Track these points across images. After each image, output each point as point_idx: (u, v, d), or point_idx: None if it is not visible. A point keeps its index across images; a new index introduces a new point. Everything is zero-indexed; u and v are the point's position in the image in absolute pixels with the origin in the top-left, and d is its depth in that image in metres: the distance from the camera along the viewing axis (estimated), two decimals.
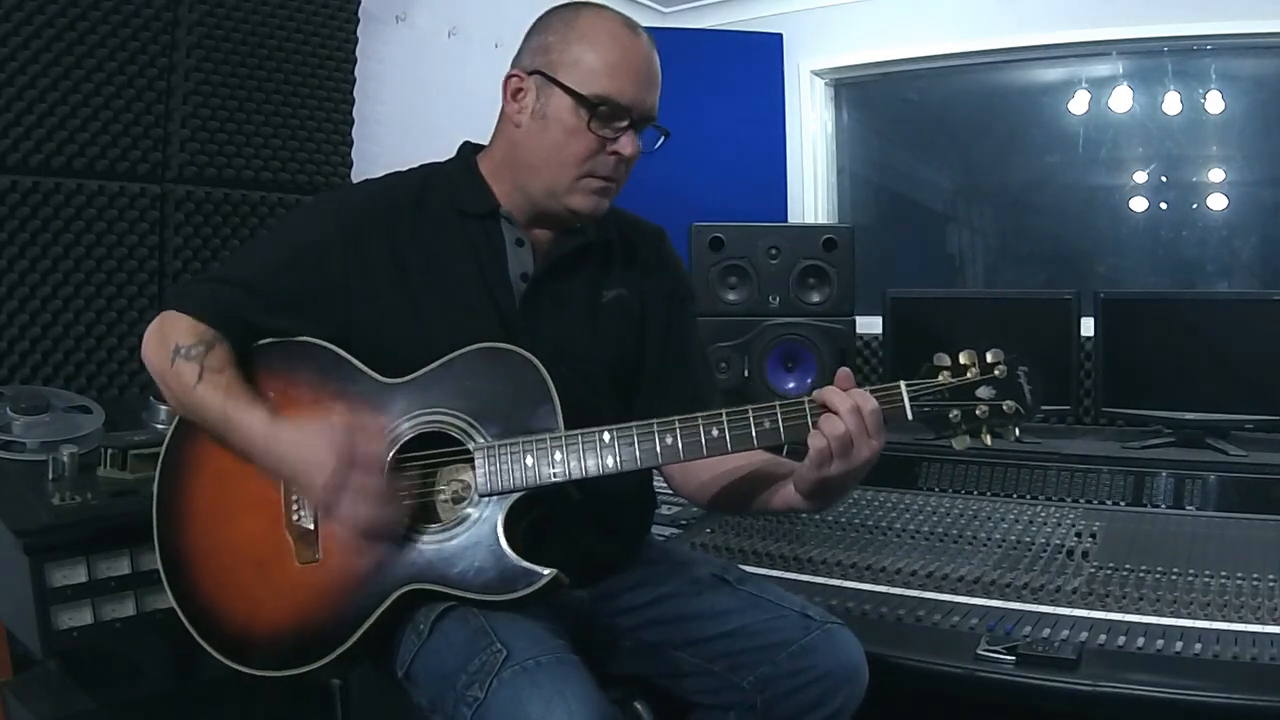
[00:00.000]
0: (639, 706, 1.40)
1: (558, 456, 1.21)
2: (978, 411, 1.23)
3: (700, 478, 1.41)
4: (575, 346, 1.37)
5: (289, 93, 2.32)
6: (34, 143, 1.92)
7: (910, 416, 1.22)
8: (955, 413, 1.22)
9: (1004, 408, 1.23)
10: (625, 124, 1.31)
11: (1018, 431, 1.25)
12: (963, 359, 1.24)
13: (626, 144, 1.32)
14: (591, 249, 1.42)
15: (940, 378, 1.23)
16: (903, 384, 1.22)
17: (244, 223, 2.25)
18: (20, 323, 1.92)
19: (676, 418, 1.23)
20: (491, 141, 1.41)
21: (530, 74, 1.33)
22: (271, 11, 2.27)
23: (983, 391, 1.23)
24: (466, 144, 1.45)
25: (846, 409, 1.18)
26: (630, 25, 1.34)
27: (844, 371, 1.23)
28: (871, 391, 1.21)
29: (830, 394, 1.20)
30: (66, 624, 1.41)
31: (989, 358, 1.24)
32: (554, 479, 1.21)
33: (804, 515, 1.97)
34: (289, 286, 1.32)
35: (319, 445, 1.18)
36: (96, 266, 2.02)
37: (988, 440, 1.24)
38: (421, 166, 1.44)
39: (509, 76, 1.35)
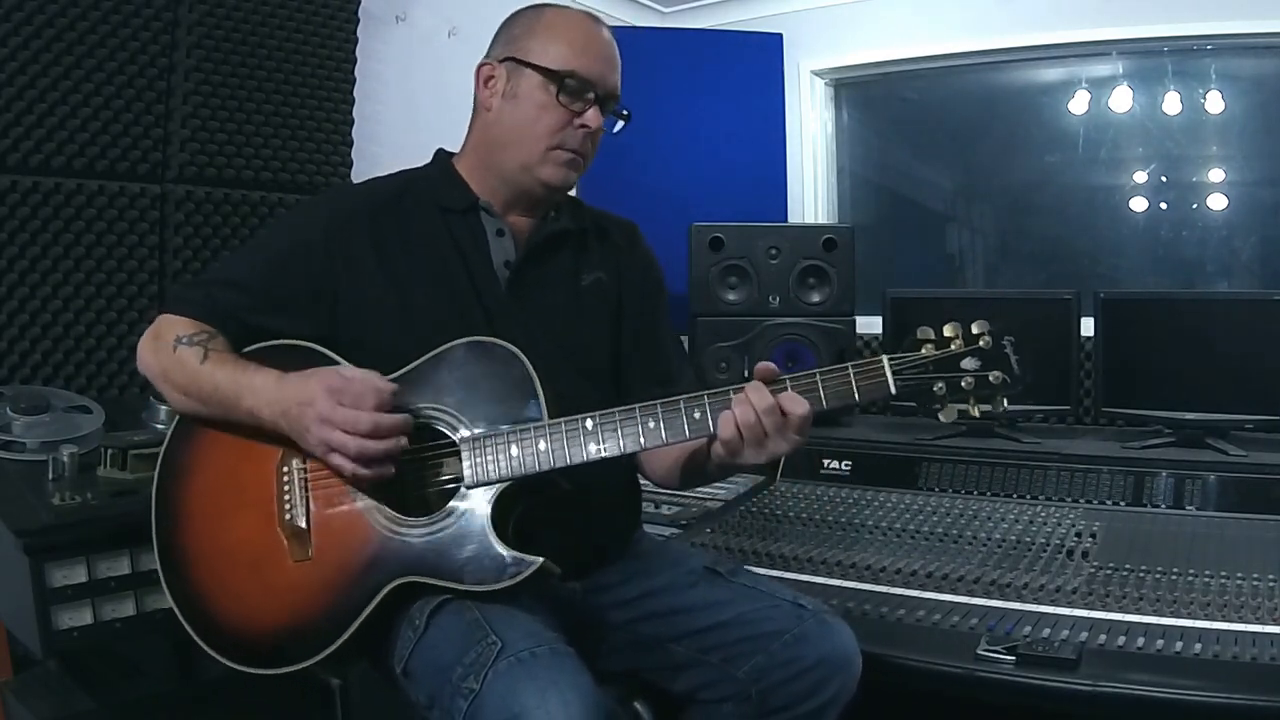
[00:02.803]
0: (638, 706, 1.40)
1: (542, 446, 1.23)
2: (963, 383, 1.22)
3: (666, 462, 1.44)
4: (562, 328, 1.43)
5: (289, 93, 2.32)
6: (34, 143, 1.92)
7: (894, 391, 1.21)
8: (940, 385, 1.22)
9: (990, 378, 1.22)
10: (590, 97, 1.39)
11: (1006, 402, 1.23)
12: (947, 331, 1.23)
13: (592, 117, 1.39)
14: (569, 236, 1.48)
15: (924, 350, 1.23)
16: (885, 358, 1.22)
17: (244, 223, 2.25)
18: (20, 323, 1.92)
19: (658, 401, 1.24)
20: (466, 138, 1.48)
21: (501, 62, 1.42)
22: (271, 11, 2.27)
23: (968, 363, 1.22)
24: (441, 150, 1.52)
25: (764, 408, 1.19)
26: (592, 17, 1.45)
27: (763, 367, 1.24)
28: (854, 367, 1.22)
29: (753, 392, 1.20)
30: (66, 624, 1.41)
31: (974, 329, 1.23)
32: (539, 468, 1.23)
33: (803, 513, 1.98)
34: (277, 288, 1.36)
35: (313, 381, 1.23)
36: (96, 266, 2.02)
37: (976, 412, 1.23)
38: (400, 172, 1.50)
39: (481, 66, 1.44)
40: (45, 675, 1.70)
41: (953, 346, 1.22)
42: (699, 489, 2.11)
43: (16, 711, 1.62)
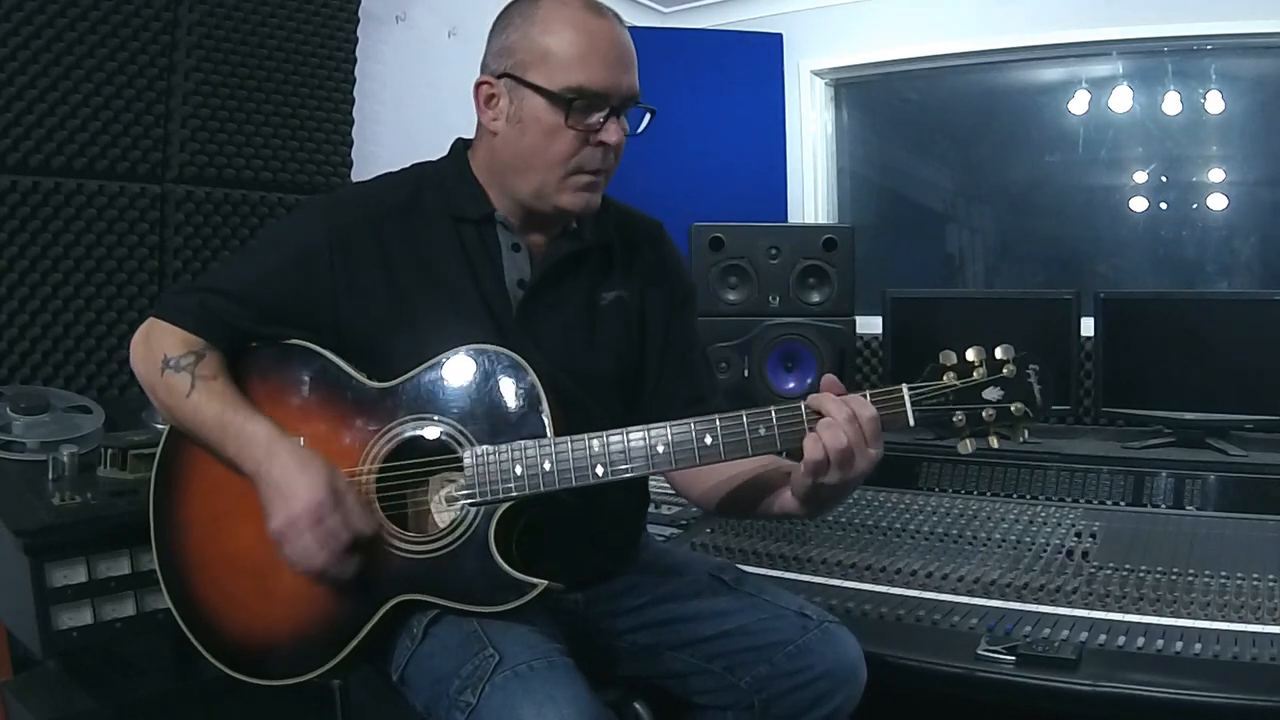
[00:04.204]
0: (638, 707, 1.40)
1: (546, 466, 1.19)
2: (984, 414, 1.17)
3: (704, 484, 1.39)
4: (574, 353, 1.35)
5: (289, 93, 2.31)
6: (34, 143, 1.92)
7: (912, 422, 1.17)
8: (960, 416, 1.17)
9: (1012, 410, 1.17)
10: (605, 112, 1.25)
11: (1026, 434, 1.20)
12: (970, 356, 1.18)
13: (611, 132, 1.25)
14: (589, 252, 1.38)
15: (945, 379, 1.17)
16: (905, 388, 1.17)
17: (244, 223, 2.25)
18: (20, 323, 1.92)
19: (668, 424, 1.19)
20: (475, 145, 1.37)
21: (499, 78, 1.27)
22: (271, 11, 2.27)
23: (990, 393, 1.17)
24: (459, 141, 1.40)
25: (844, 418, 1.14)
26: (593, 7, 1.27)
27: (830, 379, 1.19)
28: (872, 396, 1.17)
29: (827, 401, 1.15)
30: (66, 624, 1.41)
31: (998, 354, 1.18)
32: (543, 488, 1.19)
33: None
34: (277, 295, 1.29)
35: (303, 486, 1.17)
36: (96, 266, 2.02)
37: (994, 443, 1.19)
38: (414, 167, 1.40)
39: (479, 84, 1.30)
40: (45, 675, 1.69)
41: (975, 375, 1.17)
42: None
43: (16, 711, 1.62)
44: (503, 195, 1.33)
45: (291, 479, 1.18)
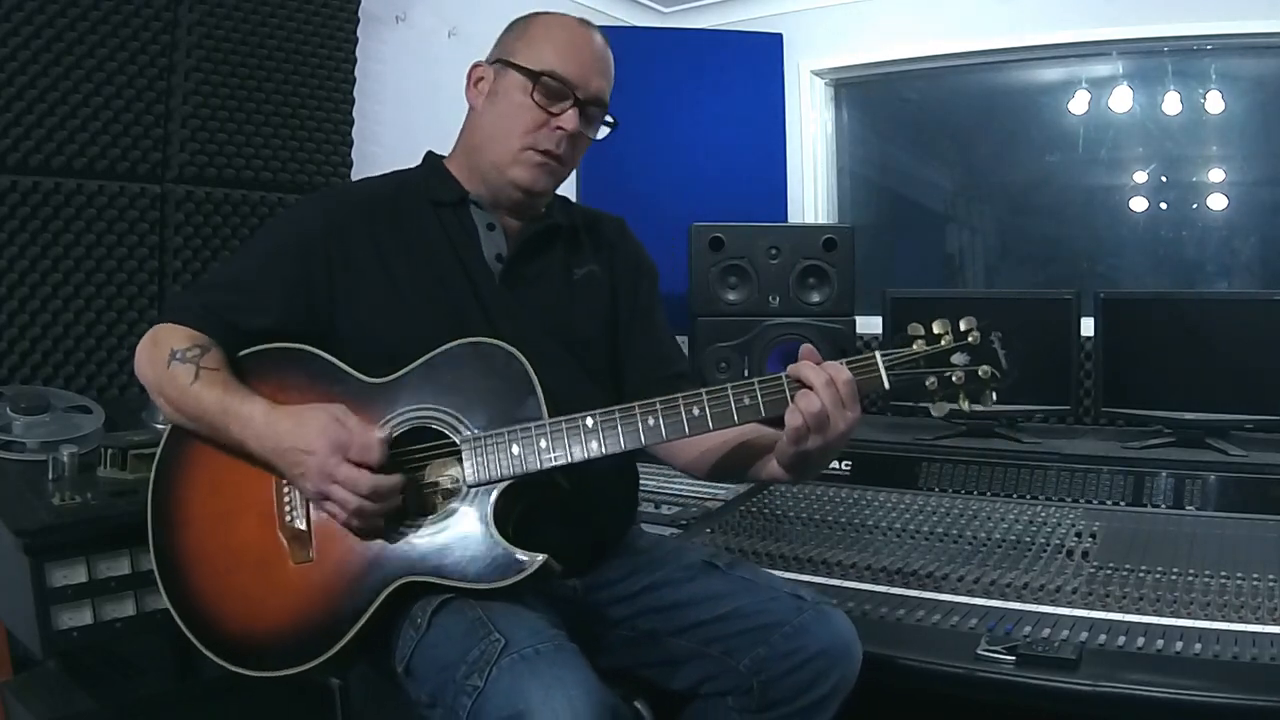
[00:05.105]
0: (639, 706, 1.40)
1: (543, 444, 1.24)
2: (954, 378, 1.25)
3: (690, 453, 1.46)
4: (556, 321, 1.43)
5: (289, 93, 2.32)
6: (34, 143, 1.92)
7: (887, 386, 1.24)
8: (931, 380, 1.25)
9: (979, 373, 1.25)
10: (569, 102, 1.38)
11: (995, 396, 1.27)
12: (936, 327, 1.26)
13: (569, 119, 1.37)
14: (559, 231, 1.49)
15: (915, 346, 1.25)
16: (878, 354, 1.25)
17: (244, 223, 2.25)
18: (20, 323, 1.92)
19: (658, 399, 1.25)
20: (457, 138, 1.49)
21: (491, 64, 1.44)
22: (271, 11, 2.28)
23: (958, 358, 1.25)
24: (430, 152, 1.53)
25: (821, 383, 1.20)
26: (584, 22, 1.44)
27: (809, 348, 1.26)
28: (848, 363, 1.24)
29: (804, 369, 1.22)
30: (66, 624, 1.41)
31: (962, 325, 1.26)
32: (540, 466, 1.24)
33: (803, 514, 1.98)
34: (276, 282, 1.35)
35: (314, 430, 1.22)
36: (96, 266, 2.02)
37: (966, 406, 1.26)
38: (393, 172, 1.52)
39: (473, 67, 1.46)
40: (45, 675, 1.70)
41: (943, 342, 1.25)
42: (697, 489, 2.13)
43: (16, 711, 1.62)
44: (473, 178, 1.45)
45: (298, 438, 1.23)
